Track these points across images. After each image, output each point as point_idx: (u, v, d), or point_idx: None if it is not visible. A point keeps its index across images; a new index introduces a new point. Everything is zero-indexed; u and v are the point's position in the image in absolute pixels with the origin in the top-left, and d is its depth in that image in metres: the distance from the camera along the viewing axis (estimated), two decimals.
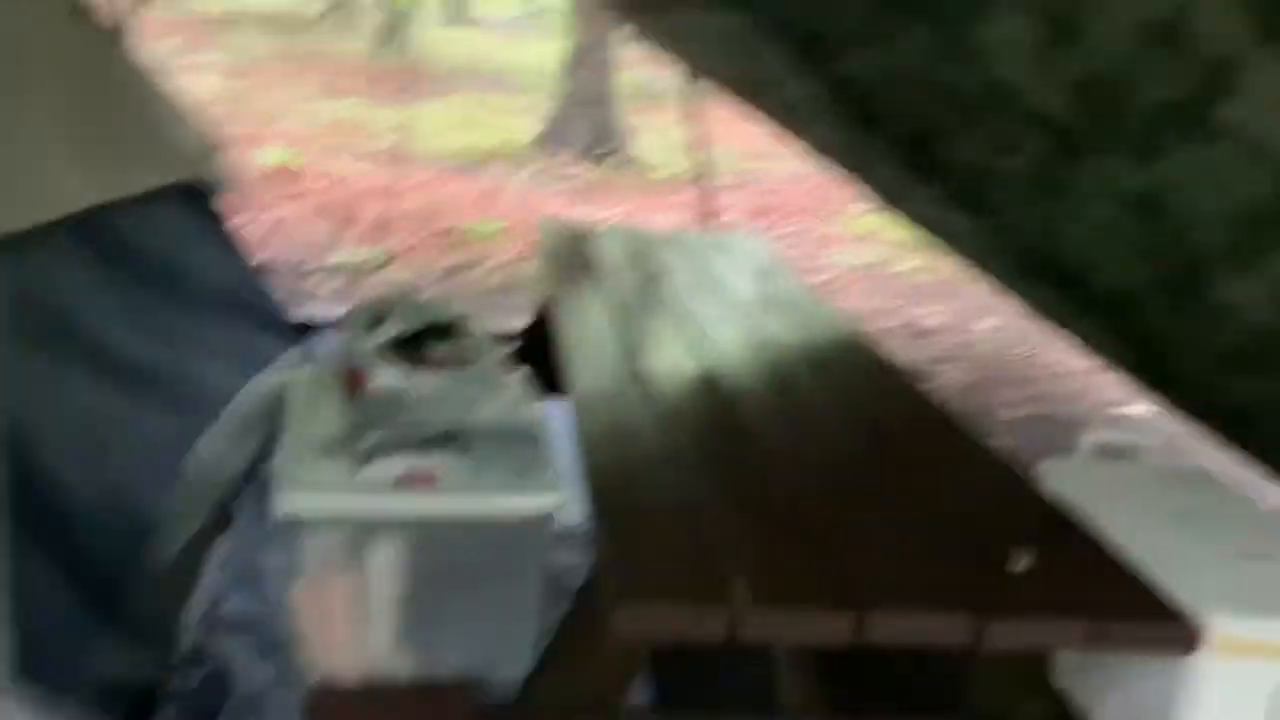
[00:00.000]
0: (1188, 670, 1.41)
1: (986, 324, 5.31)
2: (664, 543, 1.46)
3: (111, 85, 3.12)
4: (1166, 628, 1.36)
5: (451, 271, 5.48)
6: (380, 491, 1.53)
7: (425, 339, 1.75)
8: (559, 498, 1.54)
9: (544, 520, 1.57)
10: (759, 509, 1.59)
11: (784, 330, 2.58)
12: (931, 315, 5.43)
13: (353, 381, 1.69)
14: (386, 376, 1.59)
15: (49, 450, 2.12)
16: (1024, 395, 4.45)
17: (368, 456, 1.55)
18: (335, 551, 1.55)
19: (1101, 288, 1.82)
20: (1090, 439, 1.87)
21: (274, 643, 2.40)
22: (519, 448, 1.61)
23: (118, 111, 3.08)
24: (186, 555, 2.55)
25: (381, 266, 5.40)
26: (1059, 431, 4.10)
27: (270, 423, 3.39)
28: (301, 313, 4.01)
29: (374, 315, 1.79)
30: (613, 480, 1.63)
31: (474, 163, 8.85)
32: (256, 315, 3.60)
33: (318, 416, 1.71)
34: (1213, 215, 1.42)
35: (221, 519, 2.80)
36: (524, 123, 10.71)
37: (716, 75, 2.44)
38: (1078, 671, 1.68)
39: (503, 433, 1.61)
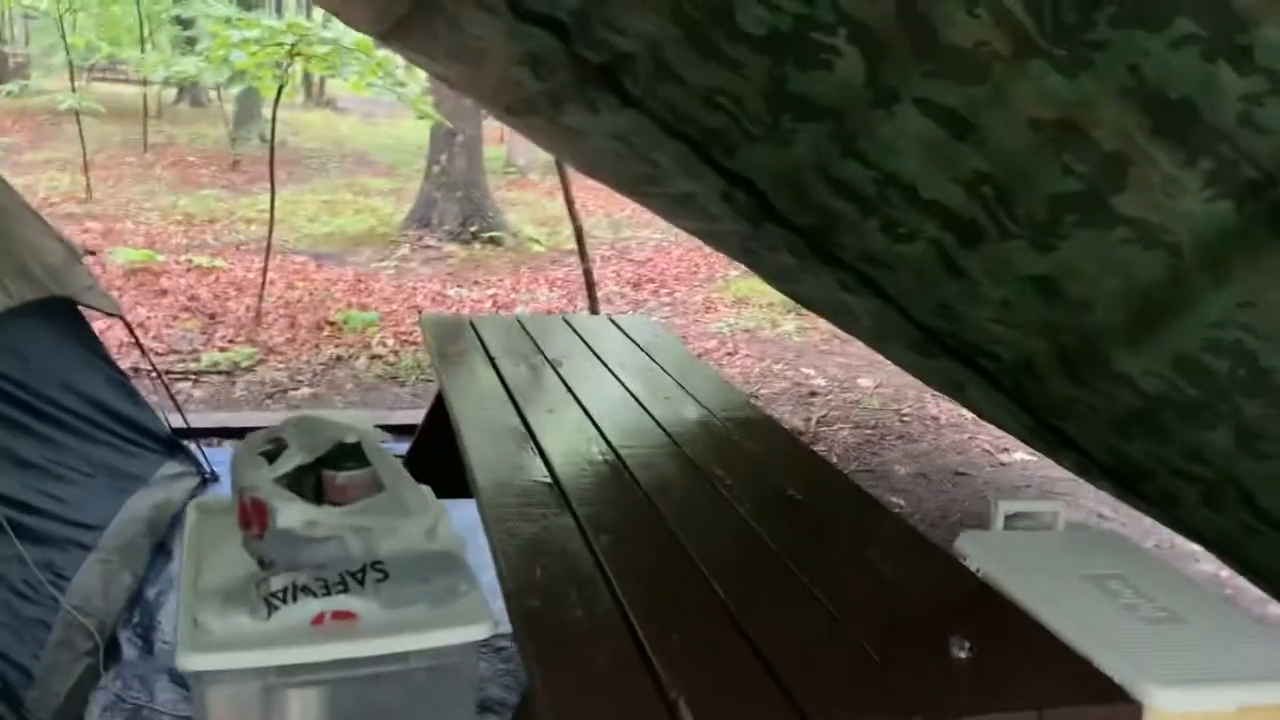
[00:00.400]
0: None
1: (868, 382, 5.43)
2: (600, 668, 1.40)
3: None
4: (1111, 710, 1.37)
5: (329, 365, 5.32)
6: (293, 639, 1.43)
7: (328, 463, 1.66)
8: (487, 626, 1.46)
9: (472, 650, 1.49)
10: (689, 615, 1.55)
11: (688, 410, 2.57)
12: (816, 375, 5.53)
13: (254, 517, 1.59)
14: (290, 512, 1.50)
15: None
16: (911, 451, 4.55)
17: (276, 601, 1.45)
18: (247, 706, 1.44)
19: (1001, 361, 1.86)
20: (1004, 508, 1.90)
21: None
22: (439, 575, 1.54)
23: None
24: (67, 703, 2.36)
25: (256, 365, 5.20)
26: (949, 482, 4.20)
27: (151, 546, 3.20)
28: (175, 421, 3.82)
29: (272, 442, 1.70)
30: (538, 603, 1.57)
31: (343, 248, 8.68)
32: (128, 429, 3.40)
33: (217, 556, 1.60)
34: (1110, 295, 1.47)
35: (106, 652, 2.61)
36: (391, 205, 10.60)
37: (604, 171, 2.44)
38: None
39: (421, 560, 1.54)
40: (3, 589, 2.33)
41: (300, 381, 5.04)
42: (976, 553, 1.79)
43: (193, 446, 3.79)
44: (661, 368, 2.96)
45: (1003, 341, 1.79)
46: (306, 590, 1.46)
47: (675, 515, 1.91)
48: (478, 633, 1.46)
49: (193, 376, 4.92)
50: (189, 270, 7.25)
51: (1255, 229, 1.16)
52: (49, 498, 2.77)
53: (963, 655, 1.45)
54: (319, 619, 1.45)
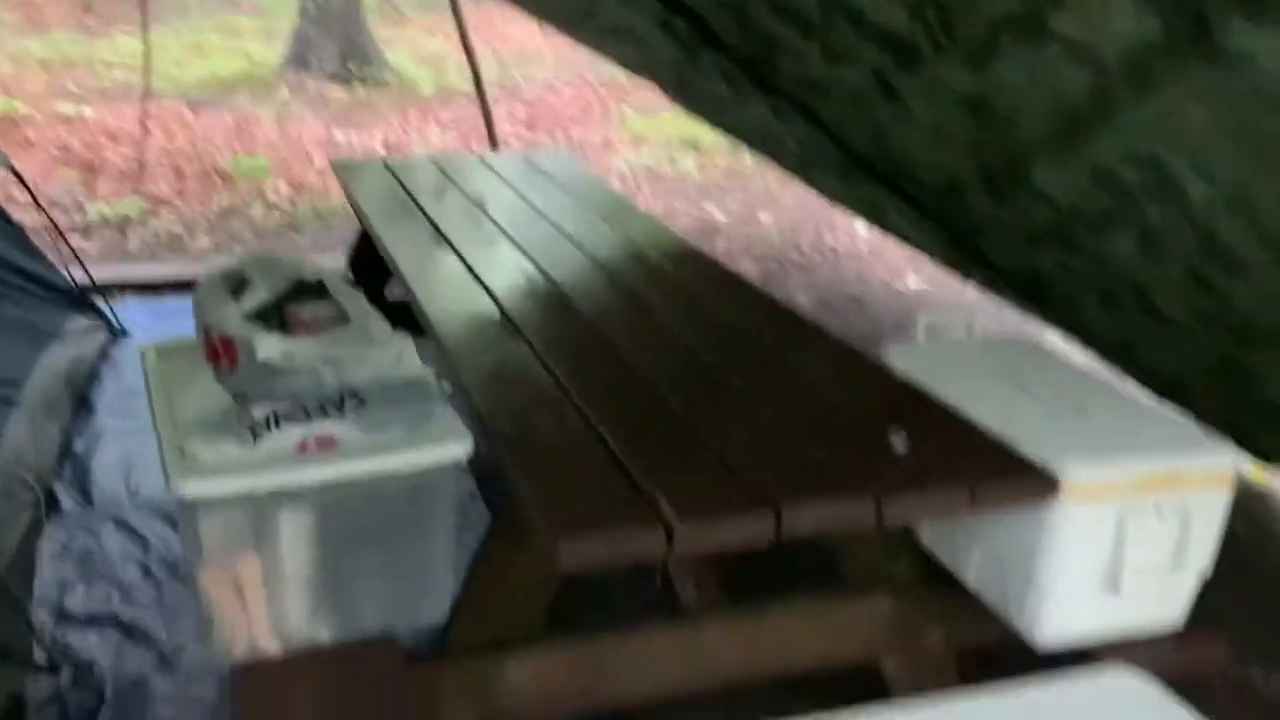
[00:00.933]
0: (1041, 517, 1.62)
1: (768, 217, 5.56)
2: (581, 474, 1.51)
3: None
4: (1031, 483, 1.55)
5: (224, 215, 5.17)
6: (279, 464, 1.49)
7: (291, 299, 1.69)
8: (466, 446, 1.55)
9: (451, 469, 1.58)
10: (652, 426, 1.66)
11: (617, 244, 2.64)
12: (718, 211, 5.62)
13: (224, 352, 1.62)
14: (266, 346, 1.54)
15: None
16: (813, 281, 4.73)
17: (260, 430, 1.51)
18: (240, 529, 1.51)
19: (925, 181, 1.97)
20: (924, 322, 2.05)
21: (134, 629, 2.30)
22: (412, 400, 1.60)
23: None
24: (19, 553, 2.38)
25: (146, 217, 5.02)
26: (850, 310, 4.40)
27: (74, 396, 3.16)
28: (76, 276, 3.70)
29: (233, 279, 1.71)
30: (511, 420, 1.66)
31: (218, 94, 8.25)
32: (32, 284, 3.30)
33: (189, 392, 1.63)
34: (1036, 111, 1.57)
35: (46, 506, 2.62)
36: (263, 46, 10.04)
37: (532, 4, 2.42)
38: (940, 532, 1.88)
39: (393, 388, 1.60)
40: None
41: (197, 232, 4.90)
42: (903, 362, 1.94)
43: (98, 301, 3.70)
44: (586, 204, 3.01)
45: (929, 164, 1.90)
46: (288, 419, 1.51)
47: (623, 342, 2.00)
48: (458, 452, 1.55)
49: (81, 231, 4.73)
50: (55, 119, 6.82)
51: (1178, 42, 1.27)
52: None
53: (901, 446, 1.60)
54: (303, 445, 1.50)
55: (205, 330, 1.66)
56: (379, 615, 1.63)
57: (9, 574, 2.18)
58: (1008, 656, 1.75)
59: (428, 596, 1.66)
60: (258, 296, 1.65)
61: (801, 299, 4.51)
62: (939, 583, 1.86)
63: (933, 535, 1.89)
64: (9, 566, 2.24)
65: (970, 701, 1.45)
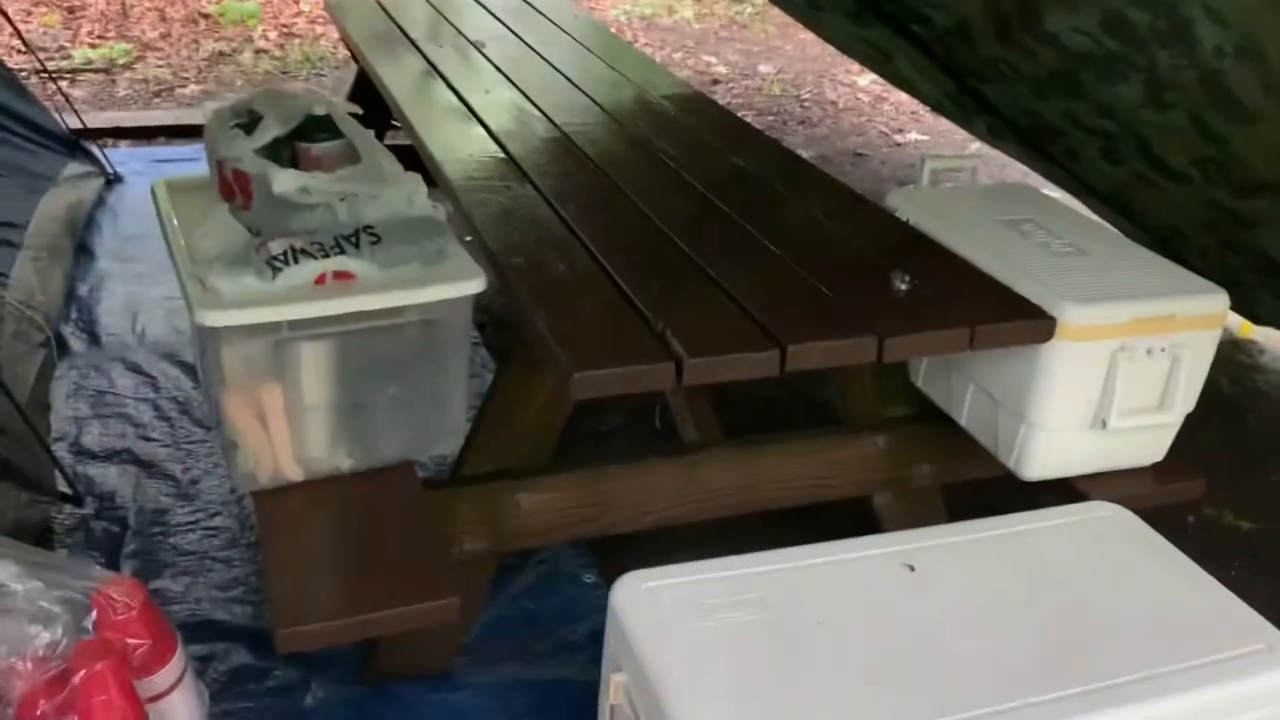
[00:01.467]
0: (1036, 357, 1.67)
1: (768, 68, 5.46)
2: (593, 310, 1.55)
3: None
4: (1030, 324, 1.60)
5: (213, 61, 5.05)
6: (298, 297, 1.53)
7: (302, 135, 1.69)
8: (480, 281, 1.58)
9: (466, 303, 1.62)
10: (660, 267, 1.70)
11: (622, 89, 2.62)
12: (717, 63, 5.52)
13: (238, 188, 1.64)
14: (282, 180, 1.55)
15: None
16: (813, 135, 4.70)
17: (279, 263, 1.53)
18: (262, 360, 1.56)
19: (936, 23, 1.96)
20: (930, 164, 2.06)
21: (151, 464, 2.38)
22: (426, 238, 1.63)
23: None
24: (35, 391, 2.44)
25: (134, 62, 4.91)
26: (849, 163, 4.39)
27: (74, 241, 3.17)
28: (67, 121, 3.66)
29: (243, 115, 1.70)
30: (523, 259, 1.69)
31: None
32: (29, 129, 3.26)
33: (204, 227, 1.65)
34: None
35: (55, 350, 2.67)
36: None
37: None
38: (933, 372, 1.95)
39: (407, 224, 1.62)
40: None
41: (186, 79, 4.80)
42: (907, 206, 1.97)
43: (92, 147, 3.66)
44: (587, 48, 2.96)
45: (940, 5, 1.88)
46: (305, 253, 1.53)
47: (630, 185, 2.02)
48: (472, 287, 1.58)
49: (68, 76, 4.63)
50: None
51: None
52: None
53: (903, 287, 1.65)
54: (320, 279, 1.53)
55: (219, 165, 1.67)
56: (396, 445, 1.69)
57: (29, 410, 2.24)
58: (994, 491, 1.85)
59: (442, 427, 1.72)
60: (269, 131, 1.65)
61: (803, 152, 4.49)
62: (931, 420, 1.93)
63: (926, 375, 1.95)
64: (29, 403, 2.29)
65: (957, 534, 1.54)
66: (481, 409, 1.80)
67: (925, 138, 4.61)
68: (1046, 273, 1.72)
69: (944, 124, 3.66)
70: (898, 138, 4.68)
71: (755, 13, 6.23)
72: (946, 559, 1.46)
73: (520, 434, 1.77)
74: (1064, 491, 1.78)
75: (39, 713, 1.27)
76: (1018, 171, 3.11)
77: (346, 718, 1.76)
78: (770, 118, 4.83)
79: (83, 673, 1.27)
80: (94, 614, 1.33)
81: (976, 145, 3.86)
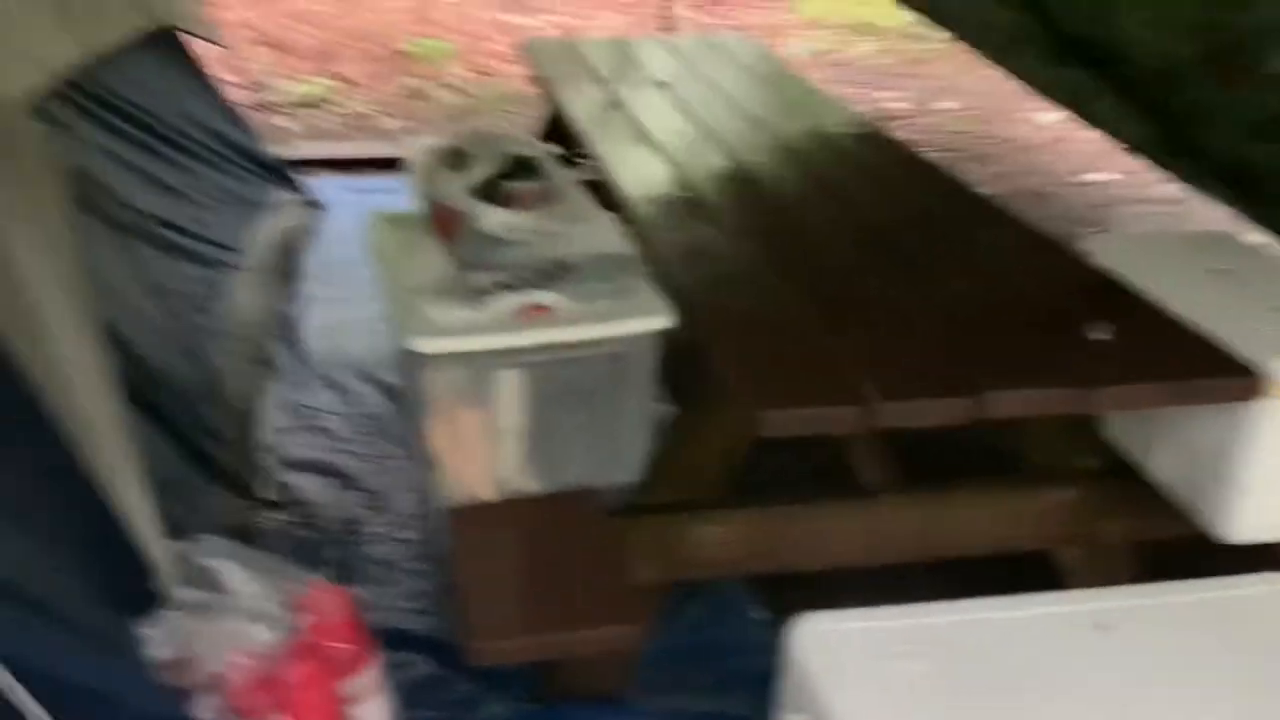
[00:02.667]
0: (1243, 415, 1.59)
1: (948, 105, 5.38)
2: (780, 348, 1.57)
3: None
4: (1238, 380, 1.53)
5: (410, 97, 5.34)
6: (500, 328, 1.61)
7: (508, 175, 1.79)
8: (665, 318, 1.63)
9: (653, 339, 1.67)
10: (852, 304, 1.71)
11: (803, 126, 2.64)
12: (894, 99, 5.47)
13: (448, 223, 1.74)
14: (490, 219, 1.64)
15: (123, 320, 2.13)
16: (993, 173, 4.59)
17: (482, 295, 1.62)
18: (463, 384, 1.64)
19: (1141, 67, 1.90)
20: (1125, 213, 2.00)
21: (347, 476, 2.52)
22: (618, 274, 1.69)
23: None
24: (248, 405, 2.63)
25: (337, 97, 5.24)
26: (1031, 203, 4.26)
27: (283, 264, 3.41)
28: (276, 151, 3.93)
29: (452, 155, 1.81)
30: (709, 295, 1.73)
31: None
32: (243, 158, 3.53)
33: (414, 259, 1.76)
34: None
35: (265, 366, 2.87)
36: None
37: None
38: (1127, 424, 1.87)
39: (600, 260, 1.69)
40: (182, 304, 2.55)
41: (385, 113, 5.09)
42: (1103, 250, 1.91)
43: (299, 176, 3.92)
44: (770, 87, 3.00)
45: (1148, 46, 1.83)
46: (507, 287, 1.62)
47: (813, 222, 2.03)
48: (659, 322, 1.63)
49: (280, 108, 4.98)
50: (244, 0, 7.11)
51: None
52: (196, 221, 2.94)
53: (1101, 337, 1.60)
54: (521, 311, 1.62)
55: (431, 202, 1.78)
56: (581, 471, 1.75)
57: (243, 421, 2.41)
58: (1190, 552, 1.76)
59: (624, 456, 1.77)
60: (478, 171, 1.75)
61: (983, 191, 4.39)
62: (1122, 475, 1.86)
63: (1119, 427, 1.88)
64: (242, 414, 2.47)
65: (1152, 595, 1.48)
66: (663, 440, 1.84)
67: (1113, 178, 4.43)
68: (1255, 326, 1.64)
69: (1132, 164, 3.51)
70: (1083, 177, 4.52)
71: (935, 49, 6.14)
72: (1140, 622, 1.40)
73: (699, 467, 1.80)
74: (1267, 557, 1.68)
75: (251, 706, 1.37)
76: (1220, 217, 2.96)
77: None
78: (949, 155, 4.74)
79: (293, 672, 1.36)
80: (304, 617, 1.43)
81: (1173, 188, 3.69)
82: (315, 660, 1.38)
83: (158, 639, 1.29)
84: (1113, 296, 1.76)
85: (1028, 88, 2.55)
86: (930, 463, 2.19)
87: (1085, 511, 1.87)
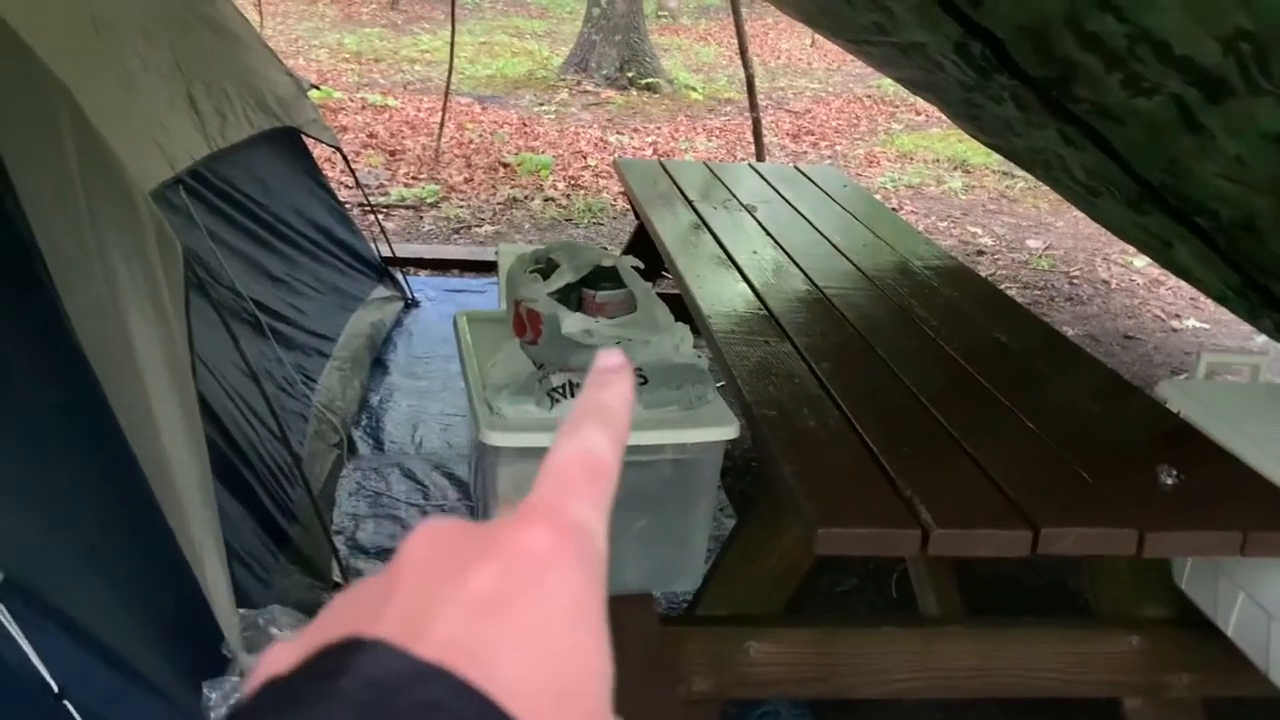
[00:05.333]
0: None
1: (1037, 243, 5.39)
2: (841, 468, 1.60)
3: (210, 31, 3.19)
4: None
5: (506, 205, 5.56)
6: None
7: (589, 283, 1.87)
8: (733, 429, 1.67)
9: (719, 450, 1.71)
10: (912, 432, 1.72)
11: (885, 256, 2.70)
12: (983, 234, 5.51)
13: (529, 325, 1.82)
14: (570, 323, 1.72)
15: (219, 397, 2.25)
16: (1080, 313, 4.56)
17: (556, 395, 1.68)
18: (530, 480, 1.69)
19: (1221, 216, 1.92)
20: (1206, 358, 1.99)
21: None
22: (688, 383, 1.74)
23: (219, 59, 3.16)
24: (325, 486, 2.72)
25: (439, 201, 5.49)
26: (1118, 345, 4.22)
27: (372, 356, 3.54)
28: (379, 250, 4.12)
29: (540, 262, 1.91)
30: (776, 411, 1.77)
31: (504, 91, 8.85)
32: (345, 253, 3.71)
33: (495, 356, 1.83)
34: None
35: (345, 451, 2.97)
36: (547, 48, 10.66)
37: (827, 19, 2.51)
38: (1199, 574, 1.83)
39: (672, 369, 1.74)
40: (271, 385, 2.67)
41: (482, 219, 5.31)
42: (1178, 397, 1.90)
43: (397, 273, 4.10)
44: (854, 216, 3.07)
45: (1227, 198, 1.85)
46: (581, 388, 1.68)
47: (886, 350, 2.06)
48: (726, 433, 1.67)
49: (384, 210, 5.23)
50: (364, 108, 7.54)
51: None
52: (294, 309, 3.10)
53: (1170, 482, 1.59)
54: None
55: (515, 304, 1.87)
56: (639, 575, 1.78)
57: (319, 503, 2.49)
58: (1263, 712, 1.70)
59: (683, 564, 1.80)
60: (563, 278, 1.84)
61: (1069, 331, 4.37)
62: (1192, 626, 1.81)
63: (1191, 576, 1.84)
64: (319, 495, 2.56)
65: None
66: (722, 552, 1.86)
67: (1205, 325, 4.38)
68: None
69: (1227, 313, 3.48)
70: (1174, 323, 4.48)
71: (1026, 187, 6.20)
72: None
73: (757, 581, 1.81)
74: None
75: None
76: None
77: None
78: (1036, 293, 4.75)
79: None
80: None
81: (1262, 339, 3.64)
82: None
83: (218, 703, 1.34)
84: (1185, 443, 1.75)
85: (1112, 232, 2.57)
86: (998, 598, 2.16)
87: (1152, 661, 1.82)
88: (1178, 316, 4.51)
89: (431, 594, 0.27)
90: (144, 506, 1.58)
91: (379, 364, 3.61)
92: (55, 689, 1.12)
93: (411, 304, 4.08)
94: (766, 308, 2.25)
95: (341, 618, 0.28)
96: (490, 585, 0.27)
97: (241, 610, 1.61)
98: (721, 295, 2.30)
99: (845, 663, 1.81)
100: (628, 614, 1.73)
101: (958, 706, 1.82)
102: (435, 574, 0.28)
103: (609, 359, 0.34)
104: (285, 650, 0.28)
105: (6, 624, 1.05)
